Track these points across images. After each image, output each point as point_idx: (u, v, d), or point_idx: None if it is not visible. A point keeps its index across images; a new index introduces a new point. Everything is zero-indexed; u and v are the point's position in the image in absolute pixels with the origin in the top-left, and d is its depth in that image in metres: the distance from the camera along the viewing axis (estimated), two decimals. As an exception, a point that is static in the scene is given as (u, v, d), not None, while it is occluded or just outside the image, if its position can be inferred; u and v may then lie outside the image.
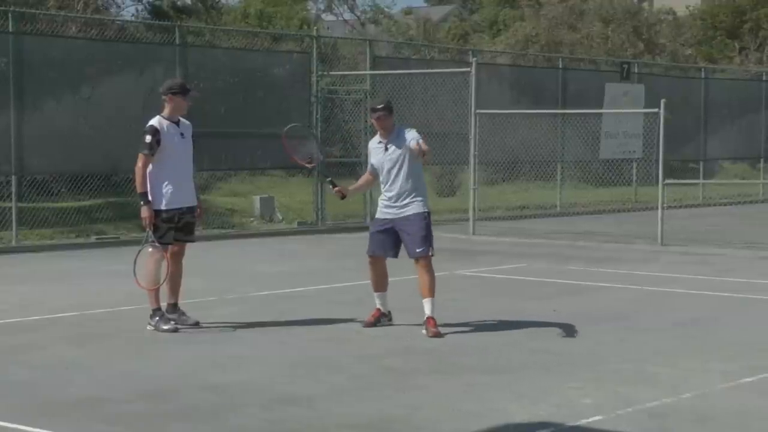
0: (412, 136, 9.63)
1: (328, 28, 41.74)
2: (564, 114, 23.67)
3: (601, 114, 24.18)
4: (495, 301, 11.78)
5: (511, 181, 25.32)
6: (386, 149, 9.81)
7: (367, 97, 20.72)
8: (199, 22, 30.01)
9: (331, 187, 10.06)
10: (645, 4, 46.27)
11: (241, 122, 19.27)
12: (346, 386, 7.77)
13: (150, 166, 9.75)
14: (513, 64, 28.85)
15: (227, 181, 22.79)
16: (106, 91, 17.70)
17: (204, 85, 18.18)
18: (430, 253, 9.73)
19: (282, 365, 8.46)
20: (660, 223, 17.19)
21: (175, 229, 9.85)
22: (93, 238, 17.45)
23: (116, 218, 18.39)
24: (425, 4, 64.70)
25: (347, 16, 43.71)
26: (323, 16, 44.60)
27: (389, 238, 9.85)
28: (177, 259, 9.97)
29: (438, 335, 9.52)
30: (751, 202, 25.85)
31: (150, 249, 9.77)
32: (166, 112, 9.95)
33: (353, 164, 20.41)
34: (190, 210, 10.01)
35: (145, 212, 9.71)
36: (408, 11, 48.86)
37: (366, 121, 19.33)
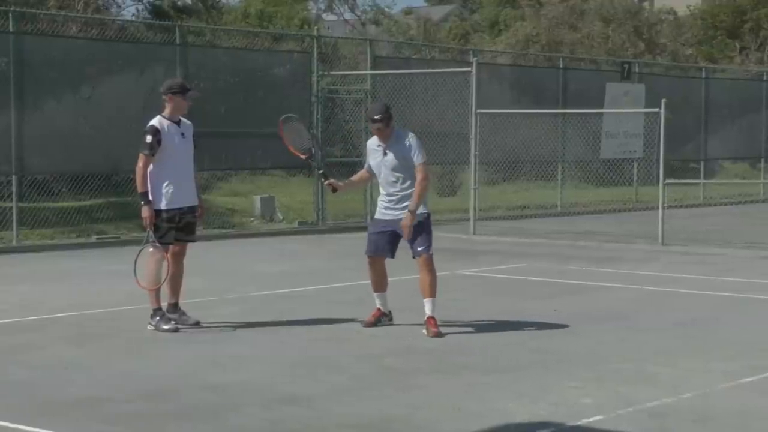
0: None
1: (328, 27, 41.73)
2: (564, 114, 23.66)
3: (601, 114, 24.16)
4: (496, 300, 11.77)
5: (511, 181, 25.33)
6: (385, 154, 9.79)
7: (367, 97, 20.72)
8: (199, 21, 30.01)
9: (323, 179, 10.07)
10: (645, 4, 46.27)
11: (242, 122, 19.27)
12: (346, 386, 7.76)
13: (151, 166, 9.75)
14: (513, 63, 28.83)
15: (228, 181, 22.77)
16: (106, 90, 17.70)
17: (204, 85, 18.19)
18: (430, 252, 9.73)
19: (282, 365, 8.45)
20: (660, 223, 17.18)
21: (176, 229, 9.84)
22: (93, 238, 17.44)
23: (117, 218, 18.38)
24: (425, 4, 64.73)
25: (348, 15, 43.73)
26: (324, 15, 44.60)
27: (388, 239, 9.84)
28: (178, 259, 9.96)
29: (438, 335, 9.51)
30: (751, 201, 25.87)
31: (150, 249, 9.76)
32: (166, 111, 9.94)
33: (354, 164, 20.35)
34: (191, 210, 9.99)
35: (145, 212, 9.71)
36: (408, 11, 48.87)
37: (366, 121, 19.30)
